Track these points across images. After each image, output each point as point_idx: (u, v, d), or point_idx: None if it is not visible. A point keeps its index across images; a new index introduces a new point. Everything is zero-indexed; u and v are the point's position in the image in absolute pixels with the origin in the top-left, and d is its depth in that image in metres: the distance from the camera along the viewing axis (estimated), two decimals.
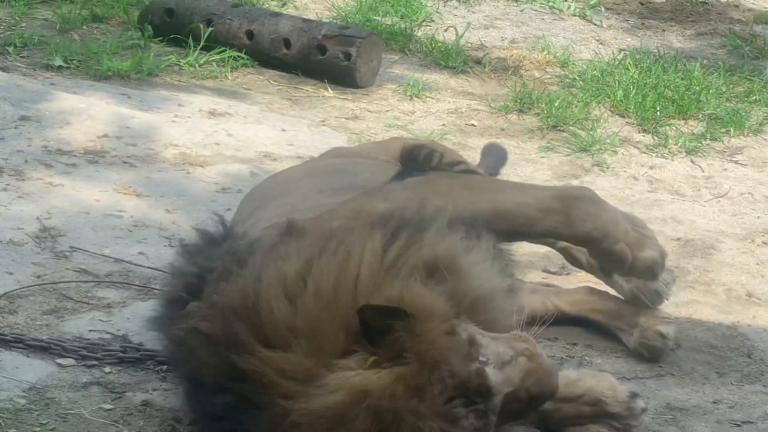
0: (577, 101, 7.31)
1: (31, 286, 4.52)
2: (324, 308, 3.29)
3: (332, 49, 7.35)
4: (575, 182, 6.26)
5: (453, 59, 7.88)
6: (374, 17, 8.37)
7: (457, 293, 3.43)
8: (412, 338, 3.23)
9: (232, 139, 6.23)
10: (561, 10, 9.10)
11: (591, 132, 6.90)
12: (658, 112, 7.22)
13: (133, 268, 4.77)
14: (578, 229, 4.11)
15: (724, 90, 7.66)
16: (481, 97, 7.44)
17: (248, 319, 3.32)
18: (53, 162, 5.67)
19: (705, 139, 6.99)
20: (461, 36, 8.20)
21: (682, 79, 7.68)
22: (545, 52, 8.17)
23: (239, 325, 3.31)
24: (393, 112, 7.09)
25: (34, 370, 3.99)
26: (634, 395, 3.87)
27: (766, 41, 8.77)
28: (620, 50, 8.35)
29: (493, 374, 3.31)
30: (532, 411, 3.48)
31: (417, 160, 4.36)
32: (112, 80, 6.95)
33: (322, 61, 7.37)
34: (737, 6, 9.64)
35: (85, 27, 7.79)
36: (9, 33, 7.50)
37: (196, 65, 7.37)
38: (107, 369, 4.04)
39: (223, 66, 7.40)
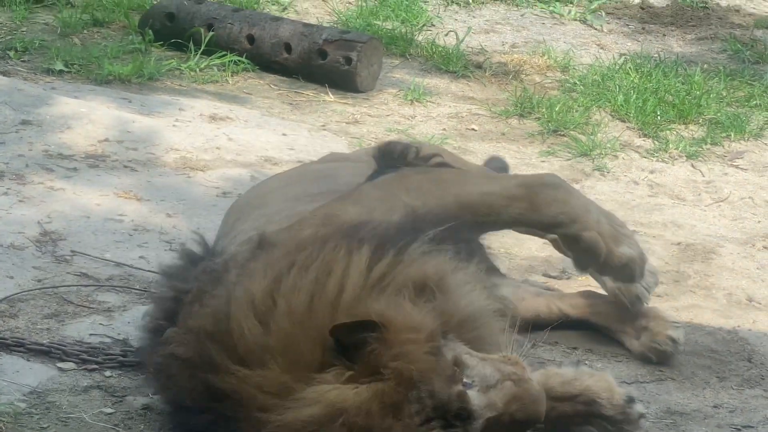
0: (578, 106, 7.31)
1: (31, 290, 4.52)
2: (297, 324, 3.26)
3: (333, 54, 7.35)
4: (576, 186, 6.26)
5: (454, 64, 7.88)
6: (375, 22, 8.38)
7: (446, 312, 3.39)
8: (390, 354, 3.20)
9: (233, 143, 6.23)
10: (561, 15, 9.10)
11: (591, 136, 6.90)
12: (659, 117, 7.23)
13: (133, 272, 4.77)
14: (544, 214, 4.06)
15: (724, 94, 7.67)
16: (482, 101, 7.45)
17: (222, 342, 3.31)
18: (54, 166, 5.67)
19: (705, 144, 6.99)
20: (462, 40, 8.21)
21: (683, 83, 7.69)
22: (546, 57, 8.17)
23: (213, 347, 3.31)
24: (394, 116, 7.09)
25: (34, 374, 3.99)
26: (631, 399, 3.83)
27: (767, 46, 8.78)
28: (621, 55, 8.36)
29: (475, 397, 3.26)
30: None
31: (393, 156, 4.32)
32: (113, 84, 6.96)
33: (323, 66, 7.38)
34: (738, 11, 9.64)
35: (85, 31, 7.79)
36: (10, 37, 7.50)
37: (197, 69, 7.37)
38: (108, 373, 4.04)
39: (224, 70, 7.41)
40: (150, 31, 7.64)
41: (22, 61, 7.18)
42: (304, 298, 3.31)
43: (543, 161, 6.62)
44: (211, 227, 4.78)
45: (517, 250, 5.43)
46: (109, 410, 3.82)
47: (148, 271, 4.75)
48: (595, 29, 8.97)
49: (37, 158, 5.73)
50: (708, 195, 6.41)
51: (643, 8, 9.47)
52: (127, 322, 4.35)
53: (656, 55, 8.30)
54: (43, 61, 7.15)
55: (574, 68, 8.04)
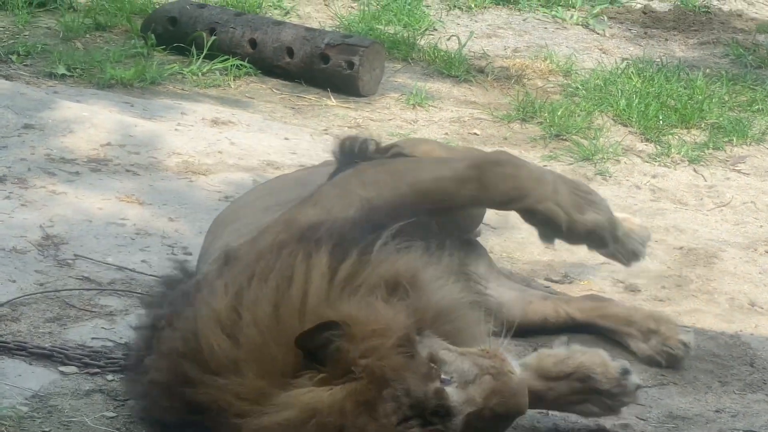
0: (580, 110, 7.31)
1: (33, 293, 4.53)
2: (266, 334, 3.27)
3: (335, 58, 7.36)
4: None
5: (456, 68, 7.89)
6: (377, 26, 8.39)
7: (419, 308, 3.38)
8: (358, 351, 3.19)
9: (235, 147, 6.23)
10: (564, 20, 9.11)
11: (593, 141, 6.90)
12: (661, 122, 7.23)
13: (135, 276, 4.78)
14: (495, 192, 3.99)
15: (726, 99, 7.67)
16: (484, 106, 7.45)
17: (194, 359, 3.31)
18: (56, 170, 5.67)
19: (708, 149, 6.99)
20: (464, 45, 8.21)
21: (685, 88, 7.69)
22: (548, 62, 8.18)
23: (186, 364, 3.32)
24: (396, 120, 7.10)
25: (36, 377, 3.99)
26: (626, 371, 3.83)
27: None
28: (623, 59, 8.36)
29: (454, 394, 3.24)
30: (497, 430, 3.36)
31: (353, 152, 4.27)
32: (115, 89, 6.96)
33: (325, 70, 7.38)
34: (740, 15, 9.64)
35: (88, 35, 7.80)
36: (12, 41, 7.51)
37: (199, 74, 7.37)
38: (110, 377, 4.04)
39: (226, 75, 7.41)
40: (152, 36, 7.64)
41: (24, 65, 7.19)
42: (268, 308, 3.31)
43: (545, 165, 6.60)
44: None
45: (519, 254, 5.43)
46: (111, 414, 3.82)
47: (150, 275, 4.75)
48: (598, 34, 8.97)
49: (40, 162, 5.73)
50: (710, 200, 6.41)
51: (645, 13, 9.47)
52: (129, 326, 4.34)
53: (658, 60, 8.30)
54: (45, 65, 7.16)
55: (576, 73, 8.04)
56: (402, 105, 7.32)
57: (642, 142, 7.08)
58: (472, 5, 9.13)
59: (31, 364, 4.06)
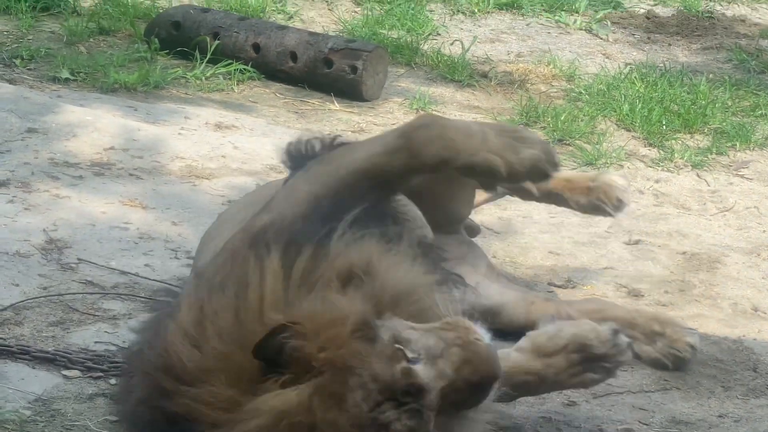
0: (583, 115, 7.32)
1: (37, 297, 4.53)
2: (230, 342, 3.26)
3: (338, 63, 7.36)
4: None
5: (459, 73, 7.89)
6: (380, 31, 8.39)
7: (376, 293, 3.35)
8: (315, 346, 3.18)
9: (239, 151, 6.24)
10: (567, 24, 9.11)
11: (597, 146, 6.90)
12: (664, 126, 7.23)
13: (139, 280, 4.78)
14: (425, 157, 3.85)
15: (729, 104, 7.67)
16: (487, 110, 7.45)
17: (167, 371, 3.31)
18: (60, 174, 5.68)
19: (711, 153, 6.99)
20: (467, 50, 8.21)
21: (688, 93, 7.69)
22: (551, 66, 8.18)
23: (161, 377, 3.31)
24: (399, 125, 7.09)
25: (39, 381, 3.99)
26: (616, 331, 3.83)
27: None
28: (626, 64, 8.36)
29: (423, 371, 3.20)
30: (477, 398, 3.31)
31: (302, 154, 4.24)
32: (119, 93, 6.97)
33: (329, 75, 7.39)
34: (743, 20, 9.64)
35: (91, 40, 7.81)
36: (16, 45, 7.52)
37: (203, 78, 7.38)
38: (113, 381, 4.04)
39: (230, 79, 7.42)
40: (156, 40, 7.65)
41: (28, 69, 7.20)
42: (230, 316, 3.31)
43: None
44: None
45: (522, 259, 5.44)
46: (114, 418, 3.82)
47: (154, 279, 4.76)
48: (601, 39, 8.97)
49: (43, 166, 5.74)
50: (713, 204, 6.40)
51: (648, 18, 9.48)
52: (131, 330, 4.36)
53: (662, 65, 8.31)
54: (49, 70, 7.17)
55: (579, 77, 8.04)
56: (405, 109, 7.32)
57: (645, 146, 7.08)
58: (476, 10, 9.14)
59: (34, 368, 4.06)
